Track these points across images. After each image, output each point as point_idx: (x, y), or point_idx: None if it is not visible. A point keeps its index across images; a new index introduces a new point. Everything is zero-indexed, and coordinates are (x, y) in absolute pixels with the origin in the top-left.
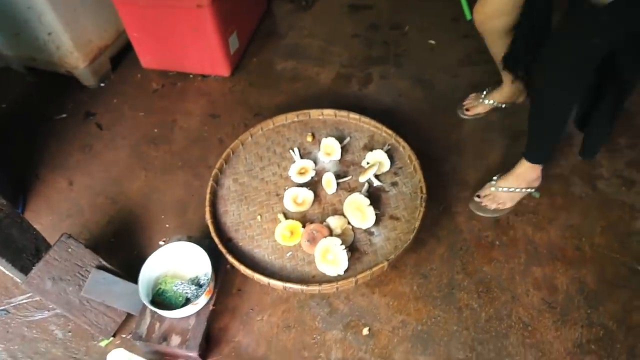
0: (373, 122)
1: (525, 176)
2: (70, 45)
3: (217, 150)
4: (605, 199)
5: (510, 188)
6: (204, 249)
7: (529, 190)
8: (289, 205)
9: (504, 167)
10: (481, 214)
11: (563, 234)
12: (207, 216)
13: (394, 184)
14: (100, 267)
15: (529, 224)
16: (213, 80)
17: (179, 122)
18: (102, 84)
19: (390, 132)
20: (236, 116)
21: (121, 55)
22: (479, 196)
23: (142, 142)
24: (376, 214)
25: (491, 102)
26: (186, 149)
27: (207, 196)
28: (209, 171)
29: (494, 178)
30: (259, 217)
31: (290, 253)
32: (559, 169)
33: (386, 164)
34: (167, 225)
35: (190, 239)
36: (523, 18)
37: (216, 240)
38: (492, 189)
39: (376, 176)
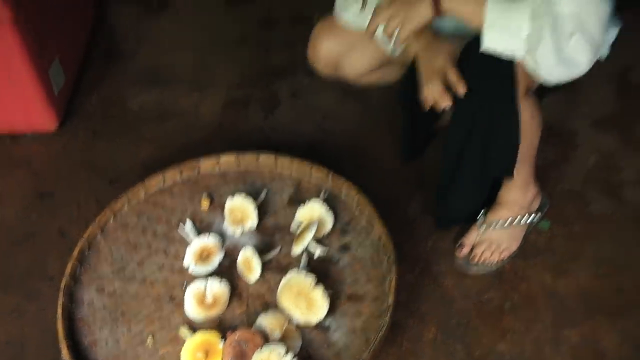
0: (296, 162)
1: (518, 201)
2: None
3: (60, 249)
4: (638, 211)
5: (506, 221)
6: None
7: (531, 218)
8: (194, 310)
9: (489, 197)
10: (476, 271)
11: (595, 273)
12: (65, 357)
13: (345, 247)
14: None
15: (545, 269)
16: (32, 140)
17: None
18: None
19: (323, 171)
20: (80, 189)
21: None
22: (462, 245)
23: None
24: (328, 298)
25: None
26: (6, 257)
27: (59, 324)
28: (50, 285)
29: (479, 215)
30: (149, 339)
31: None
32: (567, 184)
33: (328, 221)
34: None
35: None
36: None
37: None
38: (482, 229)
39: (317, 241)
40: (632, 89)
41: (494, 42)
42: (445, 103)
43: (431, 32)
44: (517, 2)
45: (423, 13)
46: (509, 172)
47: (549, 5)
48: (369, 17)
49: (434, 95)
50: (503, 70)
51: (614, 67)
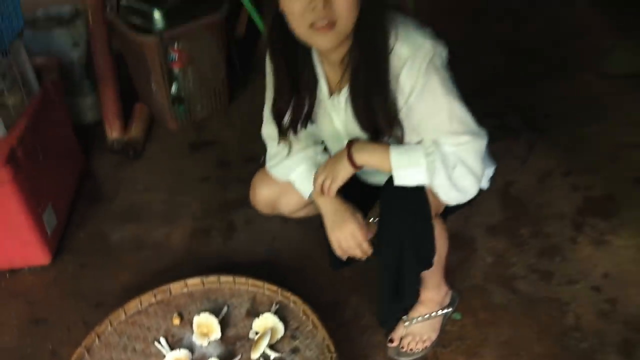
0: (251, 281)
1: (434, 299)
2: None
3: None
4: (529, 299)
5: (426, 315)
6: None
7: (445, 311)
8: None
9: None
10: (406, 359)
11: (500, 354)
12: None
13: (295, 350)
14: None
15: (459, 354)
16: (28, 273)
17: None
18: None
19: (274, 287)
20: (70, 314)
21: None
22: (392, 340)
23: None
24: None
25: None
26: None
27: None
28: None
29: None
30: None
31: None
32: (471, 280)
33: (279, 329)
34: None
35: None
36: None
37: None
38: (407, 324)
39: (271, 347)
40: (513, 200)
41: (402, 179)
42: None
43: (340, 199)
44: (412, 146)
45: (345, 170)
46: (429, 265)
47: (437, 146)
48: (284, 174)
49: (344, 253)
50: (418, 198)
51: (498, 184)
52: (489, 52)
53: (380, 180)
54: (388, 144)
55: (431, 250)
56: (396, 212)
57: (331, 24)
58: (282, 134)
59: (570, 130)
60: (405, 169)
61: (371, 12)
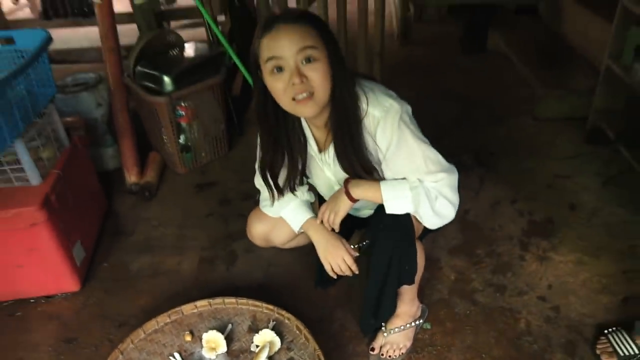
0: (251, 302)
1: (408, 312)
2: None
3: None
4: (487, 309)
5: (401, 327)
6: None
7: (417, 322)
8: None
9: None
10: None
11: (465, 357)
12: None
13: None
14: None
15: (430, 358)
16: (61, 299)
17: None
18: None
19: (271, 307)
20: (97, 334)
21: None
22: (373, 349)
23: None
24: None
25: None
26: None
27: None
28: None
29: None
30: None
31: None
32: (438, 294)
33: (277, 342)
34: None
35: None
36: None
37: None
38: (385, 335)
39: (270, 358)
40: (470, 225)
41: (392, 208)
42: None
43: (327, 230)
44: (399, 181)
45: (344, 204)
46: (412, 281)
47: (421, 182)
48: (275, 212)
49: (335, 273)
50: (405, 224)
51: (458, 211)
52: (442, 102)
53: (362, 213)
54: (378, 180)
55: (414, 268)
56: (386, 234)
57: (310, 95)
58: (280, 192)
59: (513, 165)
60: (394, 200)
61: (342, 82)
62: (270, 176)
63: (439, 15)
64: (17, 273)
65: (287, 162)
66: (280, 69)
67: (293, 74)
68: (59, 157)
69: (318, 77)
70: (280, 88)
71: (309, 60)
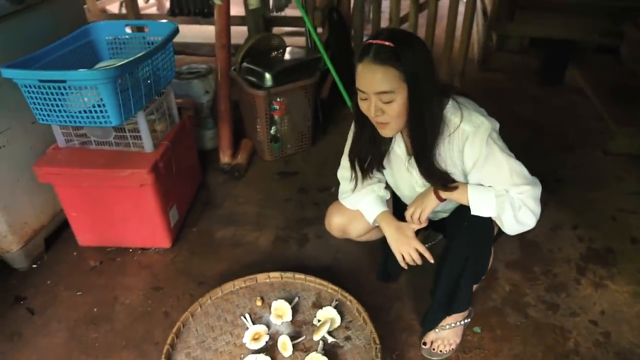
0: (318, 281)
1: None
2: (5, 229)
3: (163, 325)
4: (537, 324)
5: (452, 324)
6: None
7: (466, 321)
8: None
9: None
10: (436, 359)
11: None
12: None
13: (347, 338)
14: None
15: (477, 359)
16: (154, 252)
17: (120, 299)
18: (34, 265)
19: (335, 288)
20: (180, 287)
21: (56, 234)
22: (425, 343)
23: (80, 323)
24: None
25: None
26: (129, 327)
27: None
28: (156, 348)
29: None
30: None
31: None
32: (492, 302)
33: (337, 320)
34: None
35: None
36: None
37: None
38: (437, 330)
39: (329, 333)
40: (530, 244)
41: (477, 210)
42: (407, 262)
43: (400, 223)
44: (486, 188)
45: (432, 202)
46: (478, 281)
47: (507, 191)
48: (353, 204)
49: (405, 259)
50: (487, 227)
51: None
52: (513, 128)
53: (438, 215)
54: (465, 183)
55: (485, 269)
56: (468, 232)
57: (385, 124)
58: (364, 173)
59: (577, 193)
60: (479, 202)
61: (423, 108)
62: (358, 160)
63: (520, 47)
64: (123, 225)
65: (370, 150)
66: (364, 96)
67: (372, 105)
68: (170, 131)
69: (392, 113)
70: (365, 109)
71: (386, 99)
